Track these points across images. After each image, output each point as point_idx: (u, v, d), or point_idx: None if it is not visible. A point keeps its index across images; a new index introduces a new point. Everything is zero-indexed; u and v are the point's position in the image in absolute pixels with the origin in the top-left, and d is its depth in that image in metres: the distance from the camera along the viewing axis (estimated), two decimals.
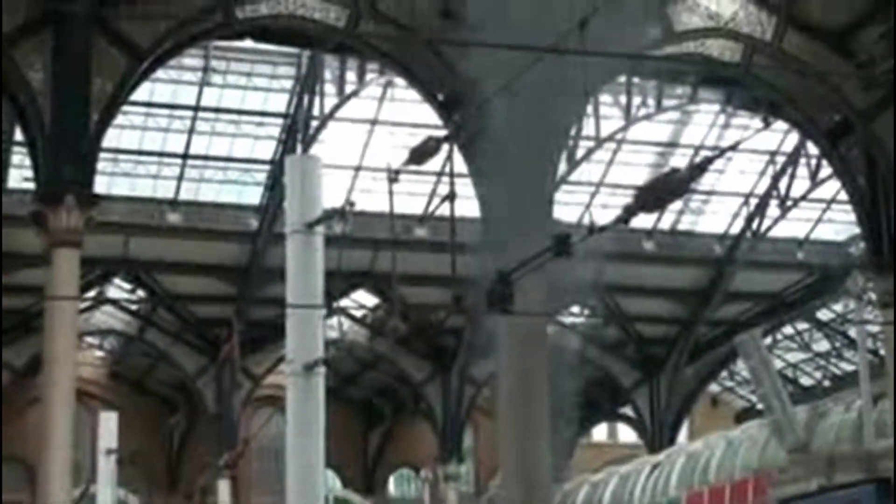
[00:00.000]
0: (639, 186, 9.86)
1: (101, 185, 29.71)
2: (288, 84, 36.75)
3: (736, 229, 42.98)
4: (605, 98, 35.83)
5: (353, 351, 46.60)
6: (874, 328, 35.90)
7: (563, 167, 33.38)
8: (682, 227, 43.45)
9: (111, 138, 30.48)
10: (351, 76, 35.25)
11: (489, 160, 24.07)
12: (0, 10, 25.25)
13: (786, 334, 49.20)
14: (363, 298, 44.18)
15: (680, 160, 39.42)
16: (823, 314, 47.74)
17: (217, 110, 37.22)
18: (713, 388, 52.16)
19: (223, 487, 40.80)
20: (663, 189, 9.34)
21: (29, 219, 26.19)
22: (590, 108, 35.33)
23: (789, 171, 40.86)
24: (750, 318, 45.32)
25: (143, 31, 27.03)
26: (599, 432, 55.01)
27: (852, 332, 43.54)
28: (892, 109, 29.88)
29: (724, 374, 51.14)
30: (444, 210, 14.18)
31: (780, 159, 40.85)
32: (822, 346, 49.70)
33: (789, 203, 41.53)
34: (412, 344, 44.57)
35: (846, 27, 30.77)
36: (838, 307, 45.13)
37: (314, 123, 36.36)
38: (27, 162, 28.82)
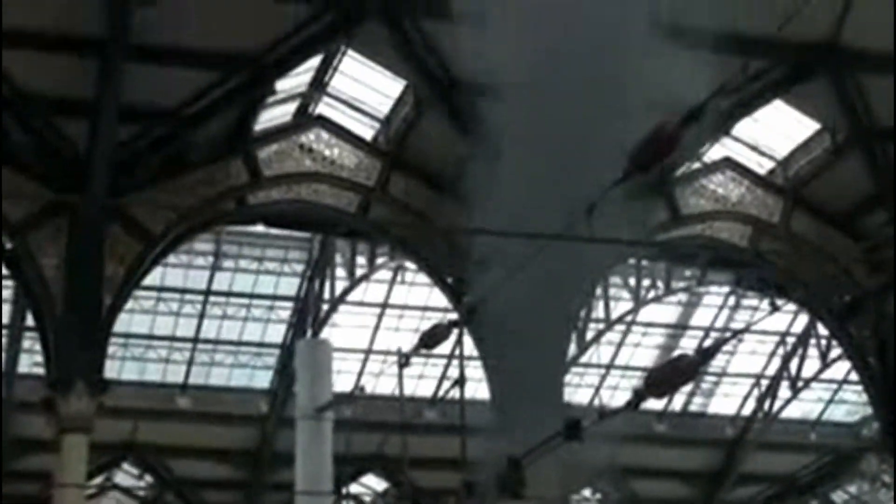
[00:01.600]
0: (649, 371, 9.85)
1: (111, 370, 29.64)
2: (299, 268, 36.93)
3: (747, 411, 42.68)
4: (614, 280, 35.97)
5: None
6: None
7: (573, 349, 33.37)
8: (693, 408, 43.21)
9: (122, 323, 30.53)
10: (361, 260, 35.43)
11: (499, 343, 24.07)
12: None
13: None
14: (372, 482, 43.77)
15: (690, 342, 39.45)
16: (838, 496, 47.08)
17: (228, 294, 37.33)
18: None
19: None
20: (673, 376, 9.34)
21: (39, 405, 26.13)
22: (599, 291, 35.45)
23: (799, 352, 40.74)
24: (764, 500, 44.82)
25: (156, 217, 27.28)
26: None
27: None
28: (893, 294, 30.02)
29: None
30: (455, 393, 14.19)
31: (791, 340, 40.80)
32: None
33: (800, 384, 41.33)
34: None
35: (852, 209, 31.00)
36: (853, 489, 44.67)
37: (324, 307, 36.47)
38: (37, 347, 28.86)
